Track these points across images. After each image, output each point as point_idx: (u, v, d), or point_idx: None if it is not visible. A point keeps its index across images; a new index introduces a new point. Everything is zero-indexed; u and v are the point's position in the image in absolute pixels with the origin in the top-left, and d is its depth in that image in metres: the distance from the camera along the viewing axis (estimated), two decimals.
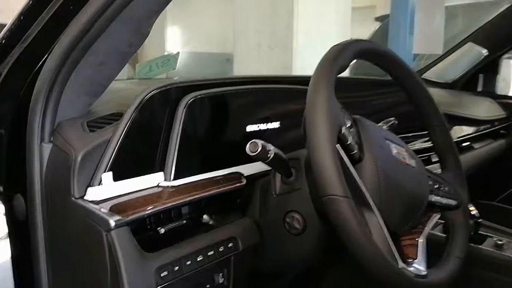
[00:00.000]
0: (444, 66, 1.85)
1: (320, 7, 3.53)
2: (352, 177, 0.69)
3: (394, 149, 0.77)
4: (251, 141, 0.71)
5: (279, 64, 3.69)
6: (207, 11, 7.85)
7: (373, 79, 1.43)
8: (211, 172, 0.85)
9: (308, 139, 0.65)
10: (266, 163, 0.74)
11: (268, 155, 0.72)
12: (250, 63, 3.75)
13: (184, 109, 0.80)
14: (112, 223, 0.65)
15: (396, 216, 0.74)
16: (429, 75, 1.85)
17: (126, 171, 0.74)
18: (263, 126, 0.95)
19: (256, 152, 0.70)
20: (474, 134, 1.65)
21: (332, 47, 0.75)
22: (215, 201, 0.85)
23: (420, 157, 1.32)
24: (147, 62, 1.21)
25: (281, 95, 1.00)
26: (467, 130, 1.69)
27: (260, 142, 0.70)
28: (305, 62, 3.32)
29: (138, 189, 0.74)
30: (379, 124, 0.98)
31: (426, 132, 1.40)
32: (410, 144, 1.36)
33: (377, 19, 4.40)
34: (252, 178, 0.89)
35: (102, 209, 0.67)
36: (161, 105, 0.80)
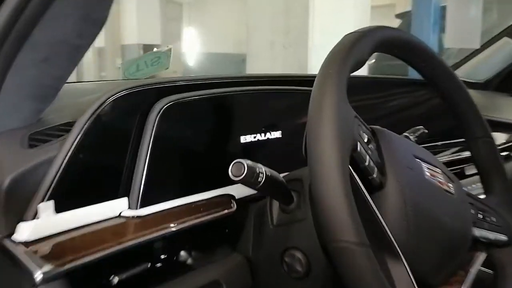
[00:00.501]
0: (476, 64, 1.64)
1: (337, 4, 3.35)
2: (370, 211, 0.51)
3: (427, 171, 0.59)
4: (234, 162, 0.53)
5: (294, 64, 3.51)
6: (224, 12, 7.72)
7: (394, 79, 1.23)
8: (192, 196, 0.67)
9: (310, 160, 0.47)
10: (256, 190, 0.56)
11: (259, 180, 0.54)
12: (263, 63, 3.59)
13: (157, 117, 0.63)
14: (39, 276, 0.47)
15: (430, 262, 0.55)
16: (458, 74, 1.65)
17: (76, 199, 0.57)
18: (261, 137, 0.77)
19: (241, 176, 0.53)
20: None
21: (345, 35, 0.57)
22: (196, 233, 0.68)
23: (452, 169, 1.13)
24: (134, 60, 1.05)
25: (284, 98, 0.82)
26: (501, 137, 1.48)
27: (246, 163, 0.53)
28: (321, 62, 3.15)
29: (92, 222, 0.58)
30: (405, 134, 0.80)
31: (459, 140, 1.22)
32: (440, 155, 1.16)
33: (397, 16, 4.19)
34: (244, 201, 0.71)
35: (31, 254, 0.50)
36: (127, 112, 0.63)
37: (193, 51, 9.05)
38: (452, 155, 1.16)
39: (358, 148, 0.50)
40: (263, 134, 0.77)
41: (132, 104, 0.64)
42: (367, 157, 0.51)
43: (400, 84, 1.16)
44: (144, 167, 0.62)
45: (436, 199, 0.57)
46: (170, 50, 1.09)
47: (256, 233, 0.68)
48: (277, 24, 3.50)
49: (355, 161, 0.51)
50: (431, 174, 0.58)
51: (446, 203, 0.59)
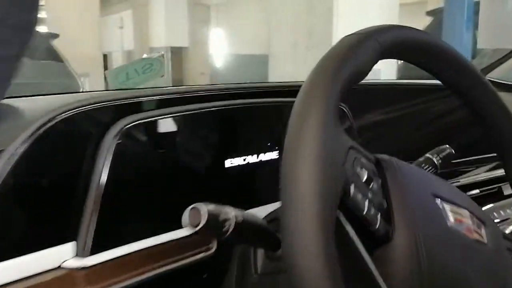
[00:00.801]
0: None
1: (362, 3, 3.19)
2: (370, 276, 0.37)
3: (451, 215, 0.44)
4: (190, 207, 0.41)
5: None
6: (251, 12, 7.65)
7: (412, 84, 1.04)
8: (161, 236, 0.55)
9: (281, 209, 0.34)
10: (225, 240, 0.44)
11: (224, 229, 0.42)
12: (286, 64, 3.46)
13: (114, 142, 0.52)
14: None
15: None
16: (494, 75, 1.47)
17: (2, 248, 0.46)
18: (252, 159, 0.64)
19: (198, 227, 0.40)
20: None
21: (342, 38, 0.44)
22: (165, 281, 0.56)
23: (488, 189, 0.97)
24: (122, 68, 0.95)
25: (279, 111, 0.70)
26: None
27: (206, 208, 0.40)
28: None
29: (23, 277, 0.46)
30: (428, 156, 0.65)
31: (494, 154, 1.05)
32: (473, 172, 1.01)
33: (428, 13, 3.97)
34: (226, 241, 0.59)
35: None
36: (76, 137, 0.52)
37: (221, 53, 9.02)
38: (488, 172, 1.00)
39: (351, 193, 0.37)
40: (255, 156, 0.65)
41: (83, 125, 0.52)
42: (366, 202, 0.38)
43: (421, 89, 0.98)
44: (96, 203, 0.50)
45: (462, 253, 0.43)
46: (162, 56, 0.98)
47: (239, 280, 0.56)
48: (300, 25, 3.36)
49: (349, 209, 0.37)
50: (455, 219, 0.44)
51: (476, 257, 0.44)
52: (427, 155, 0.66)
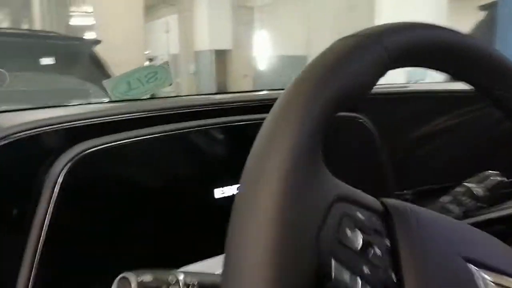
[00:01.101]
0: None
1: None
2: None
3: (491, 286, 0.31)
4: (119, 277, 0.30)
5: None
6: (295, 13, 7.53)
7: (448, 91, 0.84)
8: None
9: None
10: None
11: None
12: None
13: (62, 176, 0.42)
14: None
15: None
16: None
17: None
18: None
19: None
20: None
21: (336, 41, 0.32)
22: None
23: None
24: (121, 77, 0.86)
25: None
26: None
27: (136, 280, 0.30)
28: None
29: None
30: (467, 185, 0.52)
31: None
32: None
33: (481, 8, 3.70)
34: None
35: None
36: (13, 170, 0.43)
37: (264, 55, 8.98)
38: None
39: (333, 272, 0.25)
40: None
41: (24, 155, 0.43)
42: (358, 284, 0.26)
43: (459, 97, 0.80)
44: (36, 252, 0.41)
45: None
46: (167, 63, 0.89)
47: None
48: (340, 25, 3.21)
49: None
50: None
51: None
52: (466, 184, 0.52)
